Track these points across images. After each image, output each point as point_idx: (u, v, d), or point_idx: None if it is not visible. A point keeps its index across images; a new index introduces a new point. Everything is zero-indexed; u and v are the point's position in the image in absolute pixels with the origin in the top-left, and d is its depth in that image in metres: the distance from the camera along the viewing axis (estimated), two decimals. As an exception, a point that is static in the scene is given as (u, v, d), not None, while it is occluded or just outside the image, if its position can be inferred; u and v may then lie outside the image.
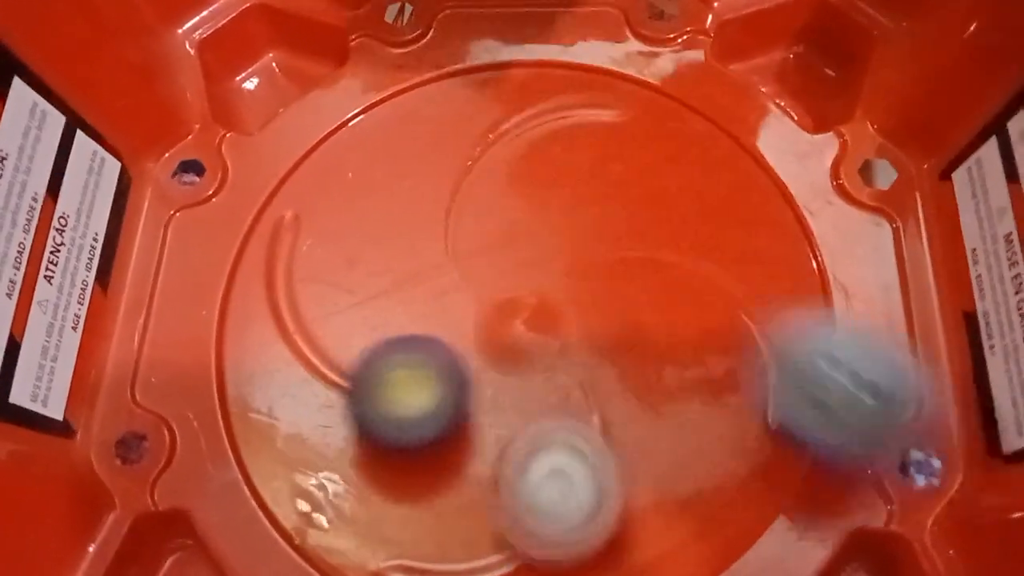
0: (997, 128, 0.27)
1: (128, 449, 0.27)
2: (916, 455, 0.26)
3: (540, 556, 0.25)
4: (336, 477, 0.27)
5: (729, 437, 0.28)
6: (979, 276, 0.27)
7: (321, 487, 0.27)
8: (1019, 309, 0.25)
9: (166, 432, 0.27)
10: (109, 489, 0.27)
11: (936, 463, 0.26)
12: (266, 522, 0.27)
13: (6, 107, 0.25)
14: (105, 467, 0.27)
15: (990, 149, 0.27)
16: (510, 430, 0.28)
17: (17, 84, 0.25)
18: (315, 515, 0.27)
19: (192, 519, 0.26)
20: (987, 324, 0.26)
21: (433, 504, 0.27)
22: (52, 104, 0.27)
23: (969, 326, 0.27)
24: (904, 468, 0.26)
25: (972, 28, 0.28)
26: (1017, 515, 0.24)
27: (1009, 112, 0.26)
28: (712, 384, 0.28)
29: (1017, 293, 0.25)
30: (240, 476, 0.27)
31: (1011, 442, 0.25)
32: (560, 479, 0.24)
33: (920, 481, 0.26)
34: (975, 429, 0.26)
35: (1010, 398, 0.25)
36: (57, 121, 0.27)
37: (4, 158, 0.25)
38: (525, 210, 0.31)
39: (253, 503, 0.27)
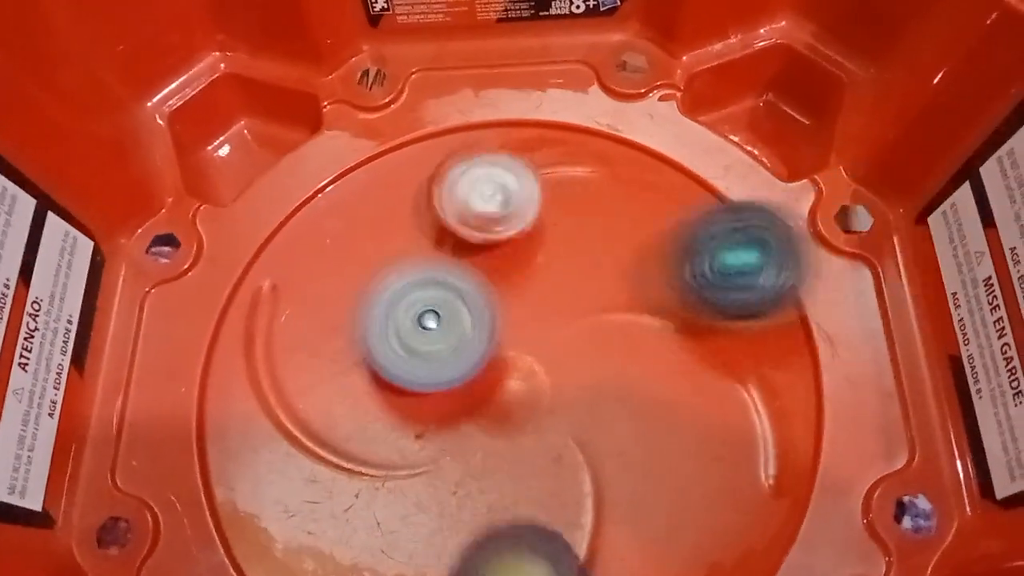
0: (970, 173, 0.27)
1: (110, 536, 0.27)
2: (911, 502, 0.26)
3: None
4: (323, 554, 0.27)
5: (725, 492, 0.27)
6: (961, 320, 0.27)
7: (309, 565, 0.27)
8: (1004, 353, 0.25)
9: (149, 517, 0.27)
10: (92, 579, 0.26)
11: (930, 510, 0.26)
12: (254, 606, 0.26)
13: (-25, 195, 0.25)
14: (87, 556, 0.26)
15: (964, 194, 0.27)
16: (501, 495, 0.27)
17: (-14, 171, 0.25)
18: (305, 595, 0.26)
19: (178, 606, 0.26)
20: (972, 368, 0.26)
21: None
22: (22, 188, 0.27)
23: (955, 370, 0.27)
24: (899, 516, 0.26)
25: (940, 75, 0.28)
26: (1017, 563, 0.24)
27: (981, 157, 0.26)
28: (704, 439, 0.28)
29: (1000, 337, 0.25)
30: (226, 559, 0.26)
31: (1004, 487, 0.25)
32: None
33: (916, 529, 0.26)
34: (968, 474, 0.26)
35: (1000, 443, 0.25)
36: (27, 205, 0.27)
37: (-26, 246, 0.24)
38: (508, 270, 0.31)
39: (240, 586, 0.26)
